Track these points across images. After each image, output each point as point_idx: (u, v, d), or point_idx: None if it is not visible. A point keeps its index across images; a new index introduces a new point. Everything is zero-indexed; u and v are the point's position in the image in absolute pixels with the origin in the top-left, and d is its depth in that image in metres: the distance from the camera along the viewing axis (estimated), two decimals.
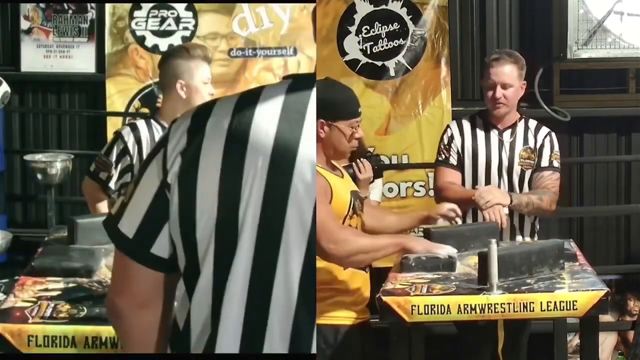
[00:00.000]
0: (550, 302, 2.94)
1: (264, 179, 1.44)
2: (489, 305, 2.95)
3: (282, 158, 1.44)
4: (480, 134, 4.15)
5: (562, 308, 2.94)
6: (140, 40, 5.84)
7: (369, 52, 5.83)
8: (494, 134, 4.14)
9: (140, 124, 3.69)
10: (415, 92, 5.76)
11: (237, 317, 1.43)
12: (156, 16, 5.84)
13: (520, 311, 2.95)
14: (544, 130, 4.18)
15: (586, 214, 5.62)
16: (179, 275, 1.51)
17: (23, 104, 5.80)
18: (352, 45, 5.85)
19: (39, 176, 5.29)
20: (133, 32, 5.84)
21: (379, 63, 5.83)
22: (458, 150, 4.15)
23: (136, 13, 5.82)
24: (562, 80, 5.55)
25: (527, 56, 5.63)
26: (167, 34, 5.83)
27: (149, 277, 1.52)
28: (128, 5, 5.82)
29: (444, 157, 4.19)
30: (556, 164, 4.14)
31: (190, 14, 5.84)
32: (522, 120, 4.18)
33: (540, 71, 5.51)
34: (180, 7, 5.81)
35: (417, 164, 5.71)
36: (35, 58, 5.92)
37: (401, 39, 5.81)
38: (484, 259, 3.03)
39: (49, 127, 5.83)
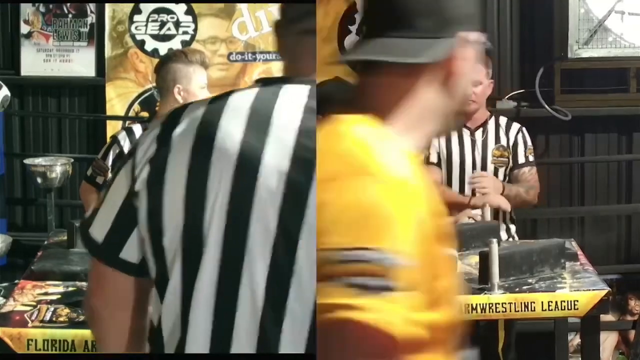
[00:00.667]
0: (552, 301, 2.94)
1: (229, 186, 1.43)
2: (490, 305, 2.94)
3: (247, 165, 1.43)
4: (453, 134, 4.18)
5: (563, 308, 2.94)
6: (140, 45, 5.84)
7: None
8: (465, 133, 4.18)
9: (137, 128, 3.71)
10: None
11: (204, 323, 1.44)
12: (156, 20, 5.82)
13: (521, 311, 2.95)
14: (515, 126, 4.24)
15: (587, 213, 5.61)
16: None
17: (23, 107, 5.79)
18: None
19: (39, 180, 5.28)
20: (133, 36, 5.83)
21: None
22: (437, 149, 4.18)
23: (136, 17, 5.82)
24: (562, 80, 5.54)
25: (527, 56, 5.68)
26: (167, 38, 5.81)
27: (121, 280, 1.54)
28: (128, 10, 5.82)
29: (423, 155, 4.22)
30: (531, 158, 4.24)
31: (189, 18, 5.83)
32: (492, 118, 4.24)
33: (541, 70, 5.50)
34: (179, 11, 5.81)
35: None
36: (35, 62, 5.91)
37: None
38: (485, 259, 3.03)
39: (49, 130, 5.82)
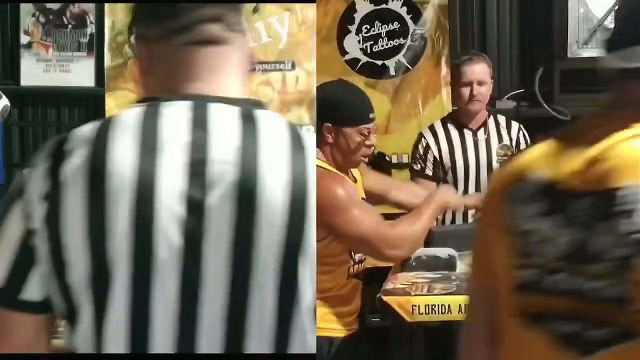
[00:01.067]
0: None
1: (129, 212, 1.39)
2: None
3: (143, 188, 1.39)
4: (455, 136, 4.21)
5: None
6: None
7: (369, 52, 5.83)
8: (467, 134, 4.21)
9: None
10: (415, 91, 5.76)
11: (119, 349, 1.42)
12: None
13: None
14: (515, 125, 4.30)
15: None
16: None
17: (23, 118, 5.81)
18: (352, 45, 5.85)
19: None
20: (133, 46, 5.76)
21: (379, 62, 5.83)
22: (434, 160, 4.19)
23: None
24: (562, 80, 5.54)
25: (527, 56, 5.68)
26: None
27: (24, 321, 1.48)
28: (127, 20, 5.72)
29: (419, 167, 4.24)
30: None
31: None
32: (491, 118, 4.27)
33: (541, 70, 5.51)
34: None
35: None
36: (35, 72, 5.93)
37: (401, 38, 5.80)
38: None
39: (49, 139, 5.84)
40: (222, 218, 1.39)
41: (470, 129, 4.20)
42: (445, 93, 5.76)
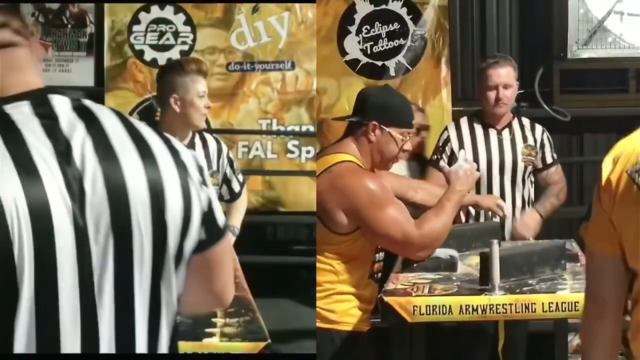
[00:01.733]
0: (552, 302, 2.94)
1: (29, 227, 1.43)
2: (491, 306, 2.95)
3: (34, 202, 1.44)
4: (480, 134, 4.23)
5: (563, 309, 2.94)
6: (139, 54, 5.94)
7: (369, 52, 5.83)
8: (492, 133, 4.23)
9: None
10: (415, 91, 5.76)
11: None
12: (155, 30, 5.93)
13: (522, 312, 2.95)
14: (539, 127, 4.33)
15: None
16: None
17: None
18: (353, 45, 5.85)
19: None
20: (132, 46, 5.93)
21: (379, 63, 5.83)
22: (451, 153, 4.19)
23: (135, 27, 5.92)
24: (562, 80, 5.55)
25: (527, 56, 5.68)
26: (166, 48, 5.91)
27: None
28: (127, 20, 5.90)
29: (435, 158, 4.26)
30: (555, 156, 4.36)
31: (188, 28, 5.93)
32: (516, 119, 4.29)
33: (541, 71, 5.51)
34: (178, 22, 5.90)
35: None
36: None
37: (401, 39, 5.81)
38: (485, 260, 3.03)
39: None
40: (99, 212, 1.48)
41: (496, 129, 4.23)
42: (445, 93, 5.77)
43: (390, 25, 5.80)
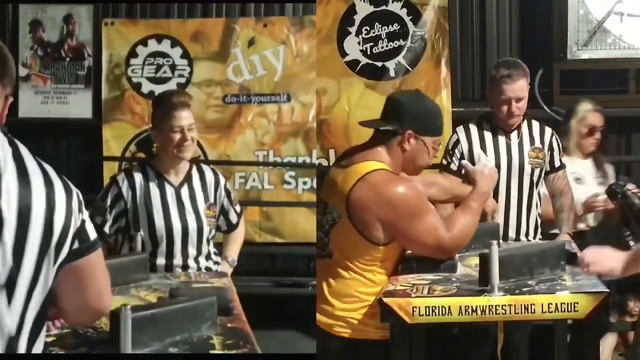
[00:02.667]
0: (552, 303, 2.94)
1: None
2: (490, 307, 2.94)
3: None
4: (488, 137, 4.23)
5: (563, 310, 2.93)
6: (137, 87, 6.11)
7: (369, 53, 5.84)
8: (501, 136, 4.22)
9: (135, 170, 3.73)
10: None
11: None
12: (152, 64, 6.12)
13: (521, 313, 2.94)
14: (548, 130, 4.30)
15: None
16: None
17: None
18: (352, 46, 5.86)
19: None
20: (129, 79, 6.10)
21: (379, 64, 5.84)
22: (461, 156, 4.19)
23: (132, 60, 6.12)
24: (562, 81, 5.55)
25: (527, 57, 5.67)
26: (163, 80, 6.09)
27: None
28: (124, 53, 6.07)
29: (445, 162, 4.25)
30: (563, 160, 4.36)
31: (185, 61, 6.12)
32: (525, 122, 4.26)
33: (540, 72, 5.51)
34: (175, 55, 6.11)
35: None
36: (33, 104, 6.08)
37: (401, 40, 5.81)
38: (485, 260, 3.03)
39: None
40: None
41: (504, 131, 4.22)
42: (445, 94, 5.77)
43: (390, 26, 5.81)
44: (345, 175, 3.12)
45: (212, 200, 3.77)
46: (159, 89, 5.84)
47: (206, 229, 3.72)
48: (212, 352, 2.50)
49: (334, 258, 3.15)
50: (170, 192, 3.67)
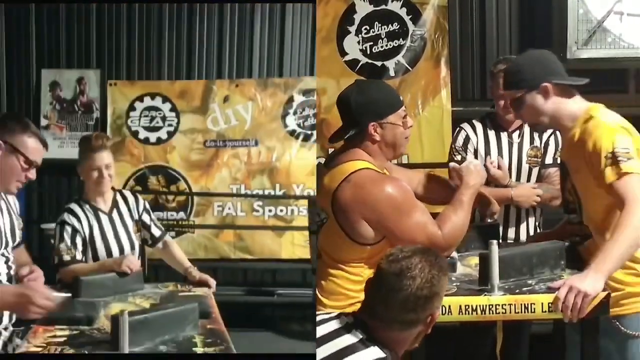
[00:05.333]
0: (552, 303, 2.94)
1: None
2: (490, 306, 2.95)
3: None
4: (492, 135, 4.25)
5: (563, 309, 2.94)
6: (135, 134, 7.43)
7: (368, 52, 5.84)
8: (504, 135, 4.24)
9: (73, 205, 4.19)
10: (415, 92, 5.76)
11: None
12: (147, 115, 7.45)
13: (521, 312, 2.95)
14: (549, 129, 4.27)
15: None
16: None
17: (41, 185, 7.26)
18: (352, 45, 5.86)
19: (52, 241, 5.69)
20: (129, 127, 7.42)
21: (379, 63, 5.84)
22: (474, 150, 4.22)
23: (131, 113, 7.42)
24: None
25: None
26: (155, 129, 7.44)
27: None
28: (125, 107, 7.42)
29: (460, 157, 4.24)
30: (557, 159, 4.25)
31: (173, 114, 7.43)
32: None
33: None
34: (166, 109, 7.43)
35: (417, 164, 5.71)
36: (51, 148, 6.41)
37: (401, 39, 5.81)
38: (485, 260, 3.03)
39: (62, 203, 6.14)
40: None
41: (507, 131, 4.23)
42: (445, 94, 5.77)
43: (390, 25, 5.81)
44: (331, 176, 3.14)
45: (136, 217, 4.25)
46: (152, 136, 7.41)
47: (137, 245, 4.21)
48: (194, 349, 2.91)
49: (323, 258, 3.16)
50: (104, 218, 4.15)
